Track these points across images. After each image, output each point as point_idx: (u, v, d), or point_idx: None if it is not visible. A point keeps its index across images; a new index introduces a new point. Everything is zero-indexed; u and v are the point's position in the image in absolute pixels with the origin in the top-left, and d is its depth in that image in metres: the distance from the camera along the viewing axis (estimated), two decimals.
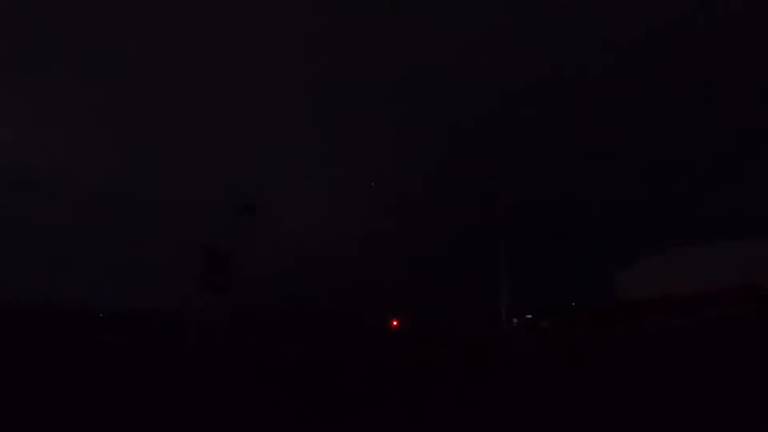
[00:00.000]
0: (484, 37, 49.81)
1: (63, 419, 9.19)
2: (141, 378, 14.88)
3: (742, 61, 45.85)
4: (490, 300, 33.30)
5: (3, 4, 42.47)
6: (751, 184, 43.62)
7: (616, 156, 52.54)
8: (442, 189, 50.79)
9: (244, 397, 12.47)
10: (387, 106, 52.22)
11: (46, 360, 16.13)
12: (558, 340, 22.84)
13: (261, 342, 25.91)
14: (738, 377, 10.61)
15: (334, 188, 50.26)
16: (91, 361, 16.94)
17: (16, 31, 41.91)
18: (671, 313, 21.74)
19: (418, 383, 15.64)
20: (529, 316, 32.87)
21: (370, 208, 48.46)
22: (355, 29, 49.36)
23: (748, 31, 45.13)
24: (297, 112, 51.29)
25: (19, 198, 41.25)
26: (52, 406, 10.01)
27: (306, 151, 51.80)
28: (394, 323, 38.47)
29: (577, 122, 50.68)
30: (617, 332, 21.90)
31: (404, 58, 50.52)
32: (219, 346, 23.78)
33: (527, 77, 51.18)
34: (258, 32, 48.33)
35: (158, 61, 46.25)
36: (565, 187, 51.10)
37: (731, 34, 45.25)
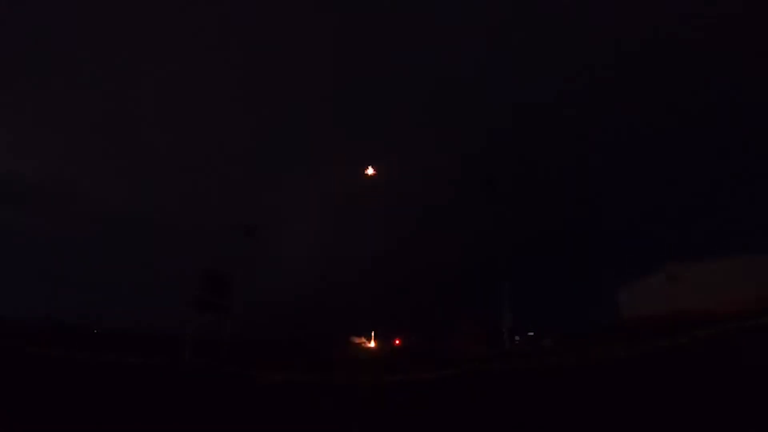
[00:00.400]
0: (488, 63, 50.31)
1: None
2: (134, 393, 14.75)
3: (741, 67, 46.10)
4: (491, 317, 33.14)
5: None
6: (752, 196, 43.50)
7: (617, 174, 52.46)
8: (443, 207, 50.91)
9: (238, 416, 12.38)
10: (391, 126, 52.49)
11: (36, 375, 15.99)
12: (560, 358, 22.54)
13: (258, 362, 25.63)
14: (743, 393, 10.56)
15: (336, 210, 50.37)
16: (85, 377, 16.77)
17: (22, 45, 42.28)
18: (674, 330, 21.47)
19: (419, 400, 15.50)
20: (531, 334, 32.52)
21: (371, 229, 48.67)
22: (354, 49, 50.12)
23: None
24: (298, 134, 51.57)
25: (22, 209, 41.60)
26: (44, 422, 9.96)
27: (307, 172, 51.88)
28: (397, 342, 38.56)
29: (577, 142, 50.99)
30: (620, 350, 21.62)
31: (408, 83, 51.11)
32: (215, 364, 23.57)
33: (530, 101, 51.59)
34: (263, 54, 48.89)
35: (163, 80, 46.90)
36: (567, 204, 51.16)
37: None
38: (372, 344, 37.79)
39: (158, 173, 48.04)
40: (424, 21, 49.15)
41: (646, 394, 12.30)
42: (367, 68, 49.42)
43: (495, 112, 53.08)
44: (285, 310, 42.51)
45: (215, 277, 31.41)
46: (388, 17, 46.75)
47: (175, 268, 36.88)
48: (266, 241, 41.44)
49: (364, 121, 50.67)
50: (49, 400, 12.14)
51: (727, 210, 42.82)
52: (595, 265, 43.55)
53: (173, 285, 33.46)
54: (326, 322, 42.59)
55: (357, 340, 37.63)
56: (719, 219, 42.57)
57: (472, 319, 36.60)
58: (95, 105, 45.16)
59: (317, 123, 48.54)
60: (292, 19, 45.84)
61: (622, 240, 45.86)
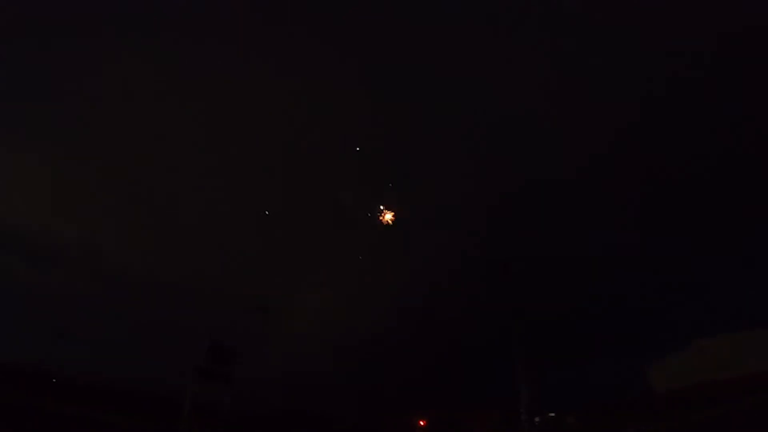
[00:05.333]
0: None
1: None
2: None
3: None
4: (508, 398, 30.78)
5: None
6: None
7: (642, 249, 51.67)
8: (458, 288, 50.36)
9: None
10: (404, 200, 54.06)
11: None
12: None
13: None
14: None
15: (349, 292, 50.29)
16: None
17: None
18: (707, 402, 19.74)
19: None
20: (552, 414, 29.59)
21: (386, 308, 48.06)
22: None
23: None
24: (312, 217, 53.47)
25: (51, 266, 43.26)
26: None
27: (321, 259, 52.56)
28: (421, 423, 36.09)
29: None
30: (652, 425, 19.79)
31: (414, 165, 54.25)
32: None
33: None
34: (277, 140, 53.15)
35: (193, 166, 51.46)
36: (588, 279, 49.99)
37: None
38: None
39: (182, 245, 50.44)
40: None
41: None
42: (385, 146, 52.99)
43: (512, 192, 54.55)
44: (294, 386, 40.39)
45: (221, 349, 31.49)
46: (406, 95, 51.03)
47: (185, 336, 36.62)
48: (278, 317, 41.44)
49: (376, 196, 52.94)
50: None
51: (756, 281, 41.11)
52: (618, 340, 40.93)
53: (180, 350, 32.95)
54: (337, 399, 40.02)
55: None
56: (747, 290, 40.70)
57: (488, 400, 33.97)
58: (130, 179, 49.70)
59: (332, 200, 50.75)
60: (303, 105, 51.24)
61: (647, 314, 43.65)
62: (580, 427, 23.33)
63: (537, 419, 28.81)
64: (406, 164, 51.84)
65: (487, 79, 50.32)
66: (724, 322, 30.33)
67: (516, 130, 51.81)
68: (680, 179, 50.25)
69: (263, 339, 38.10)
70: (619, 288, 49.85)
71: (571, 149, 53.41)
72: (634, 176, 52.87)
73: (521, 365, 30.68)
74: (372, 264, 50.49)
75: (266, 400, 35.58)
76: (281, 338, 43.24)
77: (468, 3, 45.87)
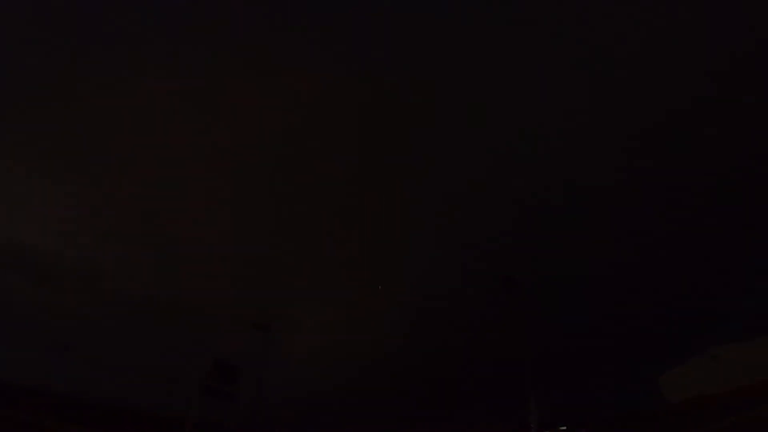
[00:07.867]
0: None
1: None
2: None
3: None
4: (515, 413, 30.04)
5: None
6: None
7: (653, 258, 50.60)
8: (466, 304, 49.65)
9: None
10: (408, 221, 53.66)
11: None
12: None
13: None
14: None
15: (351, 309, 49.88)
16: None
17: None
18: (721, 412, 19.03)
19: None
20: (563, 428, 28.70)
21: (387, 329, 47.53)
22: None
23: None
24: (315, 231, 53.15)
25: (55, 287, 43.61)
26: None
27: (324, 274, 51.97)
28: None
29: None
30: None
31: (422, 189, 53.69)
32: None
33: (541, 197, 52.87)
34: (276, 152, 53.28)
35: (189, 183, 51.73)
36: (598, 288, 49.04)
37: None
38: None
39: (182, 265, 50.82)
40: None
41: None
42: (386, 169, 53.01)
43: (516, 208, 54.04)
44: (298, 406, 39.76)
45: (225, 367, 31.67)
46: (410, 117, 51.28)
47: (187, 354, 36.53)
48: (279, 337, 41.40)
49: (378, 217, 52.89)
50: None
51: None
52: (630, 348, 39.82)
53: (181, 369, 32.82)
54: (341, 420, 39.25)
55: None
56: (761, 296, 39.62)
57: (496, 415, 33.05)
58: (130, 199, 50.46)
59: (332, 224, 50.63)
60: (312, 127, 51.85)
61: (659, 322, 42.60)
62: None
63: None
64: (407, 169, 51.92)
65: (493, 85, 50.43)
66: (739, 329, 29.50)
67: (526, 134, 51.66)
68: (692, 187, 49.51)
69: (264, 358, 38.08)
70: (629, 295, 48.80)
71: (579, 159, 53.24)
72: (645, 185, 52.26)
73: (530, 378, 30.02)
74: (376, 281, 50.14)
75: (268, 421, 35.14)
76: (283, 358, 43.02)
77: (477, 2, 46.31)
